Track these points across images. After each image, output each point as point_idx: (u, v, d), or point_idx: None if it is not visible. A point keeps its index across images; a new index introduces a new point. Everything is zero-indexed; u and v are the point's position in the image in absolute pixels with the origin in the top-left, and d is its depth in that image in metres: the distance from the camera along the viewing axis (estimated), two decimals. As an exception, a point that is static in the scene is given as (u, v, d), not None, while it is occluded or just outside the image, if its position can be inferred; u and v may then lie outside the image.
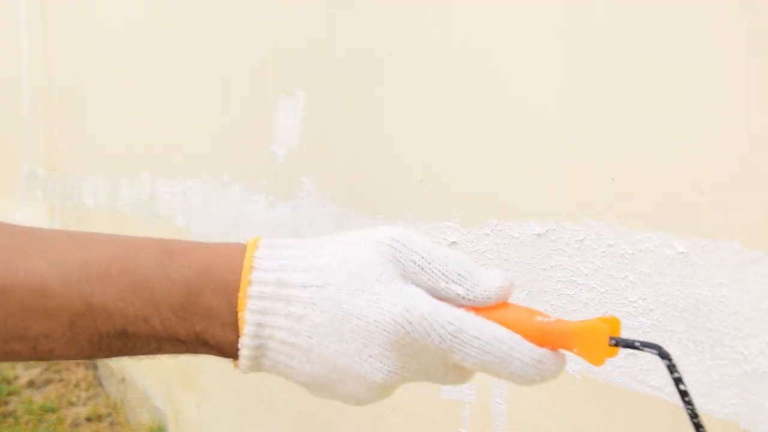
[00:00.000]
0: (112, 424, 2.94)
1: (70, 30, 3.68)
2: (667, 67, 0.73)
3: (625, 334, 0.77)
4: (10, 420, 3.01)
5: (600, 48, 0.81)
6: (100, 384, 3.33)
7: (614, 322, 0.57)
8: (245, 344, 0.55)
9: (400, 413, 1.19)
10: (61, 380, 3.36)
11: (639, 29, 0.76)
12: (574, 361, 0.85)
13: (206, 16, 1.97)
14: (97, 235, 0.59)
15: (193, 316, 0.56)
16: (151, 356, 0.57)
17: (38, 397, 3.21)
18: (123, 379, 3.02)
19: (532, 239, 0.90)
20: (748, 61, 0.66)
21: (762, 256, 0.65)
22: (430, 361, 0.57)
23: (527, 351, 0.55)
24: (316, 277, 0.56)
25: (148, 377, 2.73)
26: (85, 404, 3.14)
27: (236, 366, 0.57)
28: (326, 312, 0.55)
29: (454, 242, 1.03)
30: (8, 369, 3.48)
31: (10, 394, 3.26)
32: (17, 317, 0.54)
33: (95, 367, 3.45)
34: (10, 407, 3.13)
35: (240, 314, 0.55)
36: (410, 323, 0.54)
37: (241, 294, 0.55)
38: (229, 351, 0.57)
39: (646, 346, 0.55)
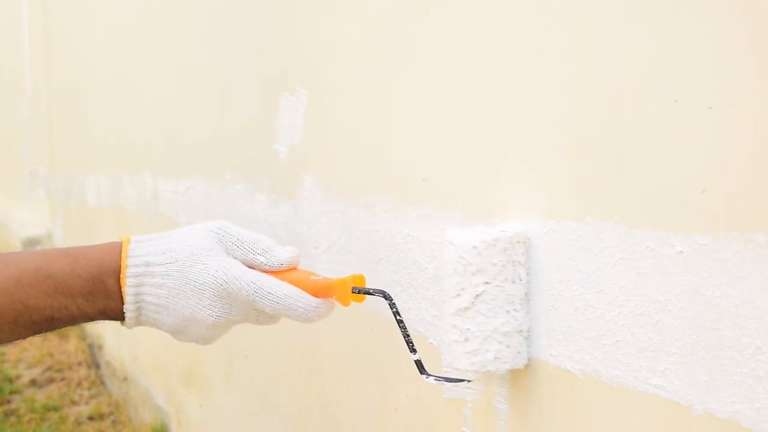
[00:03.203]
0: (114, 422, 2.95)
1: (71, 29, 3.68)
2: (667, 66, 0.73)
3: (620, 335, 0.78)
4: (13, 419, 3.01)
5: (600, 47, 0.81)
6: (102, 383, 3.33)
7: (360, 278, 0.87)
8: (128, 309, 0.85)
9: (402, 412, 1.19)
10: (63, 379, 3.36)
11: (638, 27, 0.76)
12: (575, 361, 0.85)
13: (208, 14, 1.97)
14: (18, 255, 0.86)
15: (97, 297, 0.84)
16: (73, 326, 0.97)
17: (40, 396, 3.22)
18: (125, 378, 3.02)
19: (533, 238, 0.90)
20: (749, 58, 0.66)
21: (763, 254, 0.65)
22: (244, 308, 0.87)
23: (306, 300, 0.85)
24: (167, 257, 0.85)
25: (150, 376, 2.73)
26: (87, 403, 3.15)
27: (123, 324, 0.87)
28: (175, 279, 0.85)
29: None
30: (11, 368, 3.48)
31: (12, 392, 3.26)
32: None
33: (97, 366, 3.46)
34: (13, 406, 3.14)
35: (123, 289, 0.84)
36: (226, 282, 0.84)
37: (122, 276, 0.84)
38: (119, 316, 0.86)
39: (376, 291, 0.88)
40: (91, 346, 3.60)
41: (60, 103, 4.01)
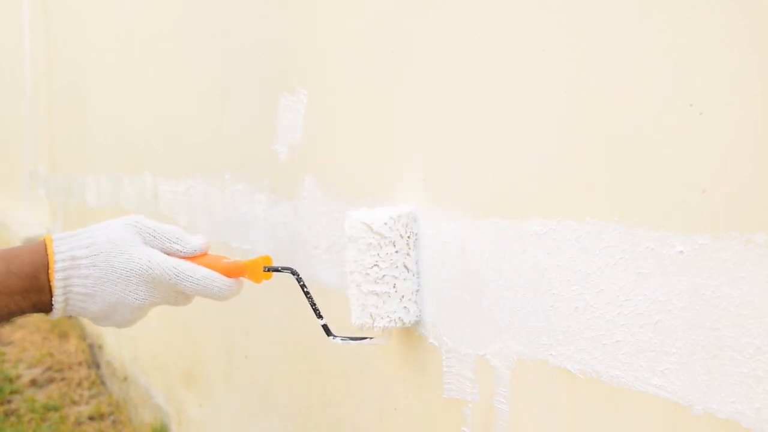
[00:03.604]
0: (114, 422, 2.95)
1: (71, 29, 3.68)
2: (667, 66, 0.73)
3: (620, 335, 0.78)
4: (13, 419, 3.01)
5: (600, 47, 0.81)
6: (103, 383, 3.33)
7: (267, 258, 1.01)
8: (57, 301, 0.92)
9: (402, 412, 1.19)
10: (63, 379, 3.36)
11: (638, 27, 0.76)
12: (575, 361, 0.85)
13: (208, 14, 1.97)
14: None
15: (31, 293, 0.91)
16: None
17: (41, 396, 3.22)
18: (125, 378, 3.03)
19: (533, 238, 0.90)
20: (749, 58, 0.66)
21: (763, 254, 0.65)
22: (166, 291, 0.96)
23: (221, 281, 0.96)
24: (92, 250, 0.92)
25: (151, 376, 2.73)
26: (87, 403, 3.15)
27: (48, 315, 0.94)
28: (101, 270, 0.92)
29: (454, 240, 1.03)
30: (11, 368, 3.48)
31: (12, 392, 3.26)
32: None
33: (98, 366, 3.46)
34: (13, 406, 3.14)
35: (52, 283, 0.91)
36: (151, 268, 0.93)
37: (50, 271, 0.91)
38: (48, 308, 0.93)
39: (284, 269, 1.02)
40: (91, 346, 3.60)
41: (60, 103, 4.01)
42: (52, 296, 0.92)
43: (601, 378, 0.82)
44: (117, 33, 2.86)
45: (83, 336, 3.72)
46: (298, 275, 1.03)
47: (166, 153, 2.36)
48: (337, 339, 1.08)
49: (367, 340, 1.09)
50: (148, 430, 2.64)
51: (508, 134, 0.94)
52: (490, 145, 0.97)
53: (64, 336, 3.79)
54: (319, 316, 1.06)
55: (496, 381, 0.97)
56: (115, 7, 2.91)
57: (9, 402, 3.18)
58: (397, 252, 1.06)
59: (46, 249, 0.93)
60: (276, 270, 1.02)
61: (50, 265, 0.91)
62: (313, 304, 1.05)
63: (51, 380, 3.37)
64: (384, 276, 1.05)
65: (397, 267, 1.06)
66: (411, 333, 1.14)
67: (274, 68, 1.58)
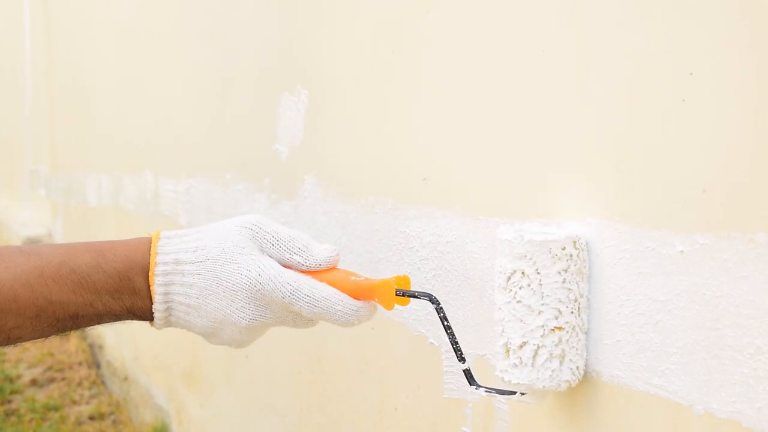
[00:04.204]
0: (115, 422, 2.95)
1: (72, 29, 3.68)
2: (667, 66, 0.73)
3: (620, 335, 0.78)
4: (14, 418, 3.02)
5: (602, 47, 0.81)
6: (103, 383, 3.33)
7: (405, 279, 0.81)
8: (157, 309, 0.80)
9: (402, 412, 1.19)
10: (63, 379, 3.36)
11: (638, 27, 0.76)
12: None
13: (209, 14, 1.97)
14: (40, 247, 0.79)
15: (124, 295, 0.79)
16: (93, 326, 0.82)
17: (41, 396, 3.22)
18: (126, 378, 3.03)
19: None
20: (749, 58, 0.66)
21: (764, 254, 0.65)
22: (280, 310, 0.80)
23: (346, 303, 0.79)
24: (198, 255, 0.79)
25: (151, 376, 2.73)
26: (88, 403, 3.15)
27: (152, 325, 0.82)
28: (206, 279, 0.79)
29: (455, 240, 1.03)
30: (11, 368, 3.48)
31: (13, 392, 3.26)
32: None
33: (98, 366, 3.46)
34: (13, 406, 3.14)
35: (152, 288, 0.79)
36: (261, 283, 0.78)
37: (150, 273, 0.79)
38: (148, 315, 0.81)
39: (422, 294, 0.81)
40: (91, 346, 3.60)
41: (61, 102, 4.01)
42: (152, 302, 0.80)
43: (602, 378, 0.82)
44: (117, 33, 2.86)
45: (83, 336, 3.73)
46: (439, 304, 0.82)
47: (167, 153, 2.36)
48: (481, 390, 0.84)
49: (516, 395, 0.84)
50: (148, 430, 2.64)
51: (507, 134, 0.94)
52: (489, 145, 0.97)
53: (64, 336, 3.79)
54: (461, 359, 0.82)
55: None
56: (116, 7, 2.91)
57: (9, 402, 3.18)
58: (556, 287, 0.81)
59: (149, 247, 0.81)
60: (412, 296, 0.81)
61: (151, 266, 0.79)
62: (454, 343, 0.82)
63: (51, 380, 3.37)
64: (534, 319, 0.81)
65: (552, 307, 0.81)
66: (409, 332, 1.14)
67: (274, 68, 1.58)
